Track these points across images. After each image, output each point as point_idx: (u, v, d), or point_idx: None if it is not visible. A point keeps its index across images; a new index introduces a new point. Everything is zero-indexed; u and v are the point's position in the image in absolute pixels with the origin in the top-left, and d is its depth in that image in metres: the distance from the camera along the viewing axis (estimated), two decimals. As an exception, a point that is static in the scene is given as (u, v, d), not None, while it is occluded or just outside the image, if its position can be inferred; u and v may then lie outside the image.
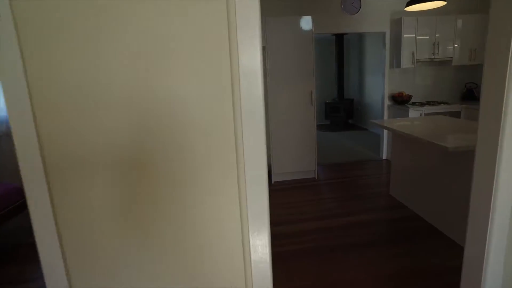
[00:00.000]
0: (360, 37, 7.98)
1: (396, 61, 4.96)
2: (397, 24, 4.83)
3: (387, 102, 5.24)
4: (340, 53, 8.07)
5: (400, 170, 3.69)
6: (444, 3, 3.20)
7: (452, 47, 4.87)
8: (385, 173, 4.70)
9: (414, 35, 4.75)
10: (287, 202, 3.88)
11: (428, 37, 4.79)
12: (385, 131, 5.32)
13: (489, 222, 1.64)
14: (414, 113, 4.70)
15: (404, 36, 4.73)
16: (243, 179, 1.18)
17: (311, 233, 3.13)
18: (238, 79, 1.11)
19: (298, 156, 4.52)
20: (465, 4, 5.05)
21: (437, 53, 4.84)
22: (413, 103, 5.08)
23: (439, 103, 4.96)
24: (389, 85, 5.19)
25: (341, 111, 8.24)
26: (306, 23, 4.15)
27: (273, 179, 4.58)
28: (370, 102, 7.77)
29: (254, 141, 1.13)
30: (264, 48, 4.25)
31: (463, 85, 5.37)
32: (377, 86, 7.25)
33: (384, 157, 5.44)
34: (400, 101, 5.03)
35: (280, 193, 4.18)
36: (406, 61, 4.81)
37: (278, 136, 4.40)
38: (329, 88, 8.80)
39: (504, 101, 1.46)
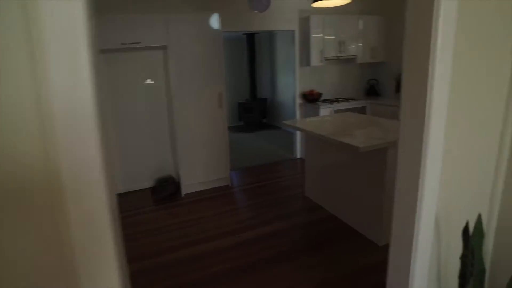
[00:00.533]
0: (271, 35, 7.93)
1: (305, 59, 4.90)
2: (305, 22, 4.77)
3: (298, 101, 5.17)
4: (251, 52, 7.90)
5: (313, 169, 3.56)
6: (349, 0, 3.13)
7: (355, 46, 5.00)
8: (300, 173, 4.60)
9: (321, 34, 4.74)
10: (199, 217, 3.45)
11: (334, 36, 4.83)
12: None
13: (416, 220, 1.46)
14: (324, 110, 4.69)
15: (312, 34, 4.68)
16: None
17: (225, 251, 2.76)
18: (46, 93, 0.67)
19: (209, 163, 4.12)
20: (366, 5, 5.25)
21: (343, 51, 4.92)
22: (323, 101, 5.10)
23: (347, 99, 5.06)
24: (300, 83, 5.13)
25: (254, 111, 8.09)
26: (213, 20, 3.77)
27: (183, 191, 4.09)
28: (283, 101, 7.77)
29: (81, 166, 0.70)
30: (165, 48, 3.75)
31: (366, 81, 5.60)
32: (289, 85, 7.24)
33: (299, 155, 5.38)
34: (311, 99, 5.00)
35: (191, 207, 3.73)
36: (315, 59, 4.78)
37: (186, 143, 3.94)
38: (242, 88, 8.59)
39: (427, 97, 1.27)
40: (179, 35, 3.66)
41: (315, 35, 4.70)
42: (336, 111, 4.78)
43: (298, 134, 5.29)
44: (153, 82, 4.11)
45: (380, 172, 2.57)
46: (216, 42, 3.84)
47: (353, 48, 4.99)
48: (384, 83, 5.44)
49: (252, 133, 7.65)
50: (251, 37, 7.77)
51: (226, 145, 4.16)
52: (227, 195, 4.00)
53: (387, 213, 2.61)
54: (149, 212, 3.63)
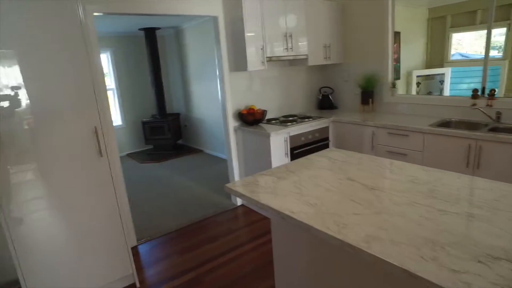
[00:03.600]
0: (178, 31, 6.09)
1: (238, 61, 3.26)
2: (235, 4, 3.12)
3: (232, 123, 3.50)
4: (154, 55, 5.94)
5: (289, 260, 1.93)
6: None
7: (306, 41, 3.55)
8: (250, 240, 2.94)
9: (260, 23, 3.15)
10: None
11: (278, 26, 3.29)
12: (234, 153, 3.58)
13: None
14: (277, 138, 3.11)
15: (248, 23, 3.06)
16: None
17: None
18: None
19: (93, 252, 2.18)
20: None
21: (291, 49, 3.42)
22: (269, 121, 3.54)
23: (301, 118, 3.57)
24: (232, 97, 3.47)
25: (166, 131, 6.16)
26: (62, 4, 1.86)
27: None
28: (202, 118, 6.01)
29: None
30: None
31: (317, 90, 4.23)
32: (211, 96, 5.54)
33: (240, 201, 3.72)
34: (251, 120, 3.38)
35: None
36: (254, 61, 3.17)
37: (36, 229, 1.94)
38: (146, 102, 6.55)
39: None
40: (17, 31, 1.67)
41: (252, 25, 3.10)
42: (293, 138, 3.26)
43: (235, 160, 3.61)
44: None
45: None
46: (79, 37, 1.94)
47: (303, 45, 3.53)
48: (341, 91, 4.13)
49: (165, 162, 5.72)
50: (151, 33, 5.81)
51: (119, 214, 2.27)
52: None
53: None
54: None
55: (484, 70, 3.03)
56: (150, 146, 6.50)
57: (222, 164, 5.18)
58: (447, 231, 1.16)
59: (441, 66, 5.83)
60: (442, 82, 5.92)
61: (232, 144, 3.53)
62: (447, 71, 5.91)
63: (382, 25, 3.56)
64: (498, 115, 2.82)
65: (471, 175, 1.69)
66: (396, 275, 1.03)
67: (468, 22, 5.49)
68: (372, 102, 3.71)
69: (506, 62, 5.17)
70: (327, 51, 3.76)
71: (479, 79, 6.29)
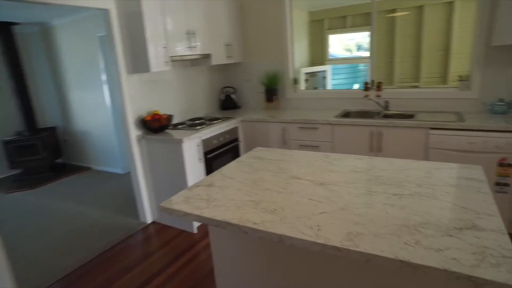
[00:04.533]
0: (46, 29, 5.11)
1: (138, 61, 2.87)
2: (125, -3, 2.73)
3: (134, 132, 3.07)
4: (12, 57, 4.84)
5: (233, 272, 1.74)
6: None
7: (208, 40, 3.36)
8: (172, 260, 2.61)
9: (161, 18, 2.83)
10: None
11: (180, 23, 3.01)
12: (139, 165, 3.15)
13: None
14: (190, 144, 2.85)
15: (147, 19, 2.71)
16: None
17: None
18: None
19: None
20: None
21: (194, 47, 3.19)
22: (175, 126, 3.24)
23: (209, 120, 3.37)
24: (131, 103, 3.04)
25: (39, 150, 5.11)
26: None
27: None
28: (87, 130, 5.19)
29: None
30: None
31: (219, 90, 4.09)
32: (98, 104, 4.82)
33: (150, 218, 3.30)
34: (157, 127, 3.03)
35: None
36: (156, 61, 2.83)
37: None
38: (5, 116, 5.31)
39: None
40: None
41: (152, 21, 2.76)
42: (205, 142, 3.04)
43: (140, 172, 3.18)
44: None
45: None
46: None
47: (206, 44, 3.34)
48: (243, 91, 4.09)
49: (42, 188, 4.73)
50: (5, 29, 4.71)
51: None
52: None
53: None
54: None
55: (371, 66, 3.40)
56: (19, 170, 5.30)
57: (118, 180, 4.58)
58: (412, 213, 1.17)
59: (322, 64, 6.39)
60: (324, 78, 6.48)
61: (135, 156, 3.09)
62: (328, 68, 6.51)
63: (280, 23, 3.64)
64: (386, 104, 3.20)
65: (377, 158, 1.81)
66: (389, 268, 0.97)
67: (340, 25, 6.18)
68: (277, 99, 3.79)
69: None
70: (229, 50, 3.67)
71: (345, 76, 7.15)
